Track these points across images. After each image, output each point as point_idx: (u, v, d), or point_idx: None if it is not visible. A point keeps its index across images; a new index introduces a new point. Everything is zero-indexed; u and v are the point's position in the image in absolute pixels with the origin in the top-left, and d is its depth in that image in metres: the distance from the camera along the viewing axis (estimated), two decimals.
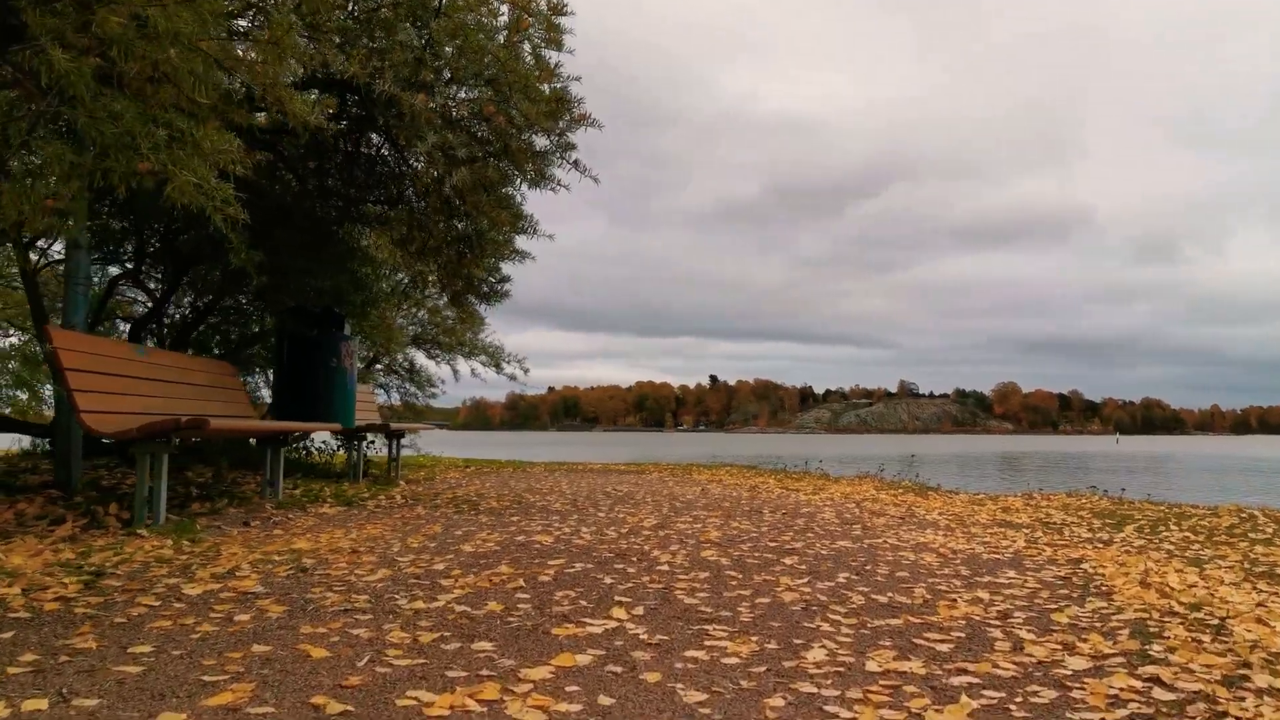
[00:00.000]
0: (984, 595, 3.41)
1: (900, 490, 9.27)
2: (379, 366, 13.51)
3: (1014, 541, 5.09)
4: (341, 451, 10.15)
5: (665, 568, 3.69)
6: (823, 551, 4.35)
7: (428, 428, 10.67)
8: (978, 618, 3.00)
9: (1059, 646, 2.63)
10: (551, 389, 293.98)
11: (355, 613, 2.63)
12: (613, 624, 2.65)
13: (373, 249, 7.05)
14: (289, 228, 6.24)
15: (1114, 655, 2.55)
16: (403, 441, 13.68)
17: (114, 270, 8.37)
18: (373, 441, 9.76)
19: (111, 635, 2.29)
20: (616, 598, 3.03)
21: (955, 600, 3.30)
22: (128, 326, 8.39)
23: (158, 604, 2.64)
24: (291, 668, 2.06)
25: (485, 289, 6.43)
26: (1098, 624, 2.97)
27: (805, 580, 3.52)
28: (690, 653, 2.36)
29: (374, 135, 6.49)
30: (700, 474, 11.43)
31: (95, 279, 8.80)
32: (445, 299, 7.03)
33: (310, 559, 3.55)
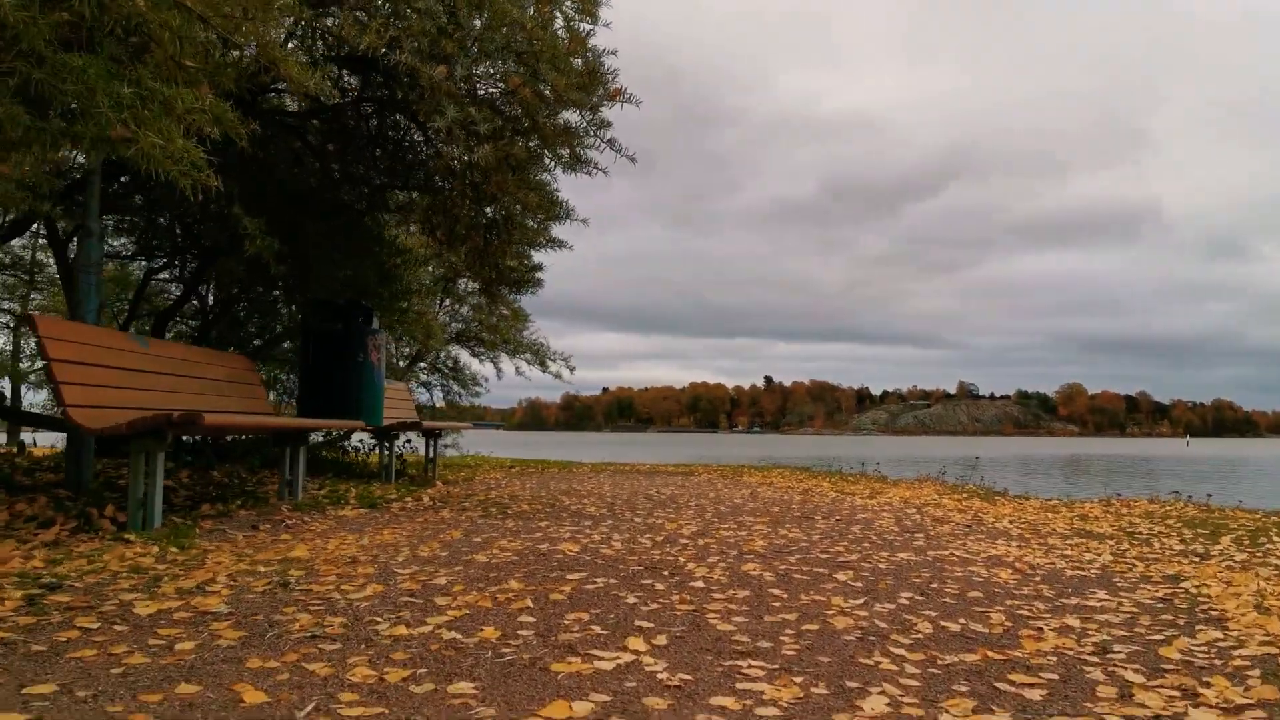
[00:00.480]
0: (1074, 622, 2.89)
1: (964, 494, 8.68)
2: (422, 364, 13.26)
3: (1098, 555, 4.54)
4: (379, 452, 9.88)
5: (700, 584, 3.23)
6: (881, 565, 3.86)
7: (467, 426, 10.34)
8: (1070, 652, 2.49)
9: (1176, 693, 2.13)
10: (606, 390, 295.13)
11: (322, 640, 2.23)
12: (627, 657, 2.20)
13: (402, 239, 6.70)
14: (311, 215, 5.92)
15: (1249, 707, 2.04)
16: (444, 442, 13.44)
17: (144, 265, 8.20)
18: (409, 441, 9.46)
19: (17, 669, 1.91)
20: (637, 622, 2.59)
21: (1041, 629, 2.79)
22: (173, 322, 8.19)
23: (95, 627, 2.27)
24: (214, 717, 1.66)
25: (515, 277, 6.04)
26: (1217, 661, 2.45)
27: (861, 601, 3.04)
28: (717, 699, 1.90)
29: (399, 116, 6.15)
30: (751, 476, 10.93)
31: (140, 274, 8.63)
32: (480, 291, 6.63)
33: (299, 570, 3.16)
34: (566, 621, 2.55)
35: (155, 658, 2.02)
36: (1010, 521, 6.17)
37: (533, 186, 5.23)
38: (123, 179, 6.47)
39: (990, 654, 2.42)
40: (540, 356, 13.18)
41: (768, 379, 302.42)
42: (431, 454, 9.04)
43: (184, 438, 7.64)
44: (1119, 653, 2.51)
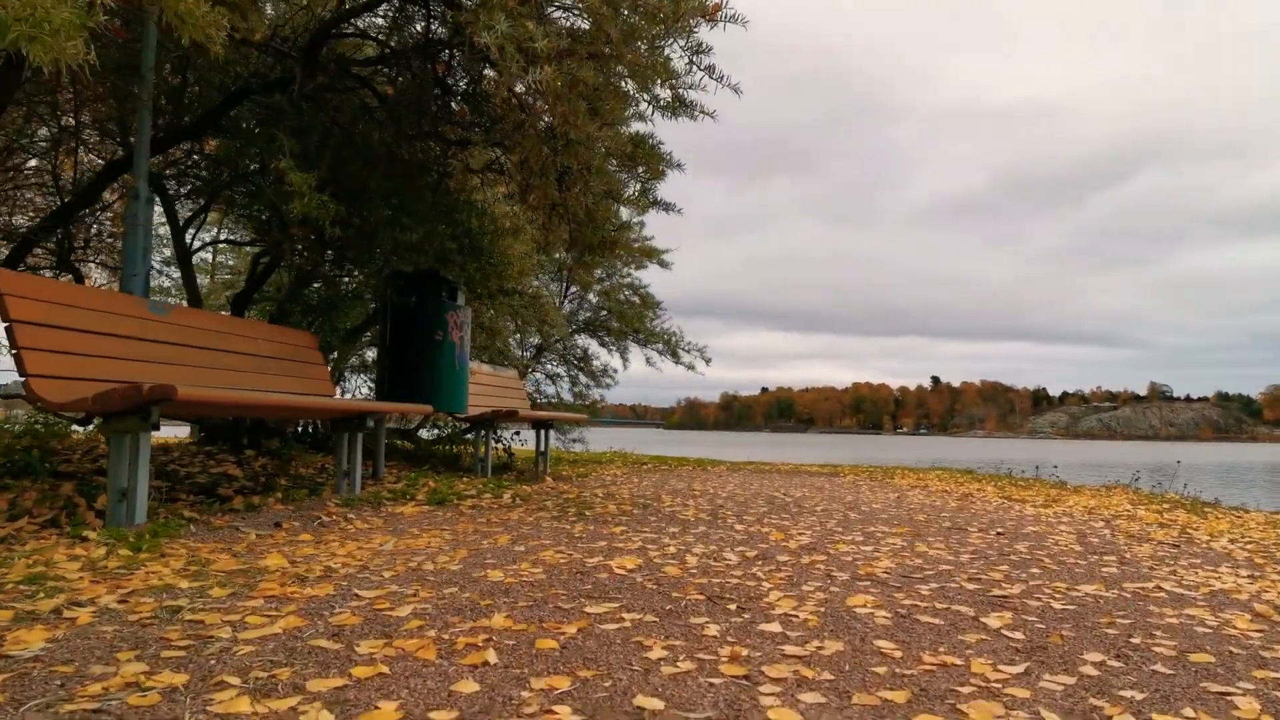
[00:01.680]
0: None
1: (1165, 505, 7.15)
2: (549, 355, 12.63)
3: None
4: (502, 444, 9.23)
5: (774, 627, 2.23)
6: (1055, 605, 2.72)
7: (581, 419, 9.52)
8: None
9: None
10: (765, 390, 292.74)
11: None
12: None
13: (492, 205, 5.94)
14: (377, 173, 5.25)
15: None
16: (571, 436, 12.77)
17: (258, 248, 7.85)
18: (518, 433, 8.78)
19: None
20: (638, 700, 1.63)
21: None
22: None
23: None
24: None
25: (596, 238, 5.13)
26: None
27: (1020, 669, 1.96)
28: None
29: (481, 65, 5.39)
30: (903, 478, 9.62)
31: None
32: (568, 255, 5.77)
33: (230, 588, 2.38)
34: (524, 696, 1.62)
35: None
36: (1231, 540, 4.79)
37: (610, 122, 4.33)
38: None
39: None
40: (672, 346, 12.30)
41: (935, 379, 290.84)
42: (543, 448, 8.31)
43: (271, 422, 7.21)
44: None
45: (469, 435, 8.84)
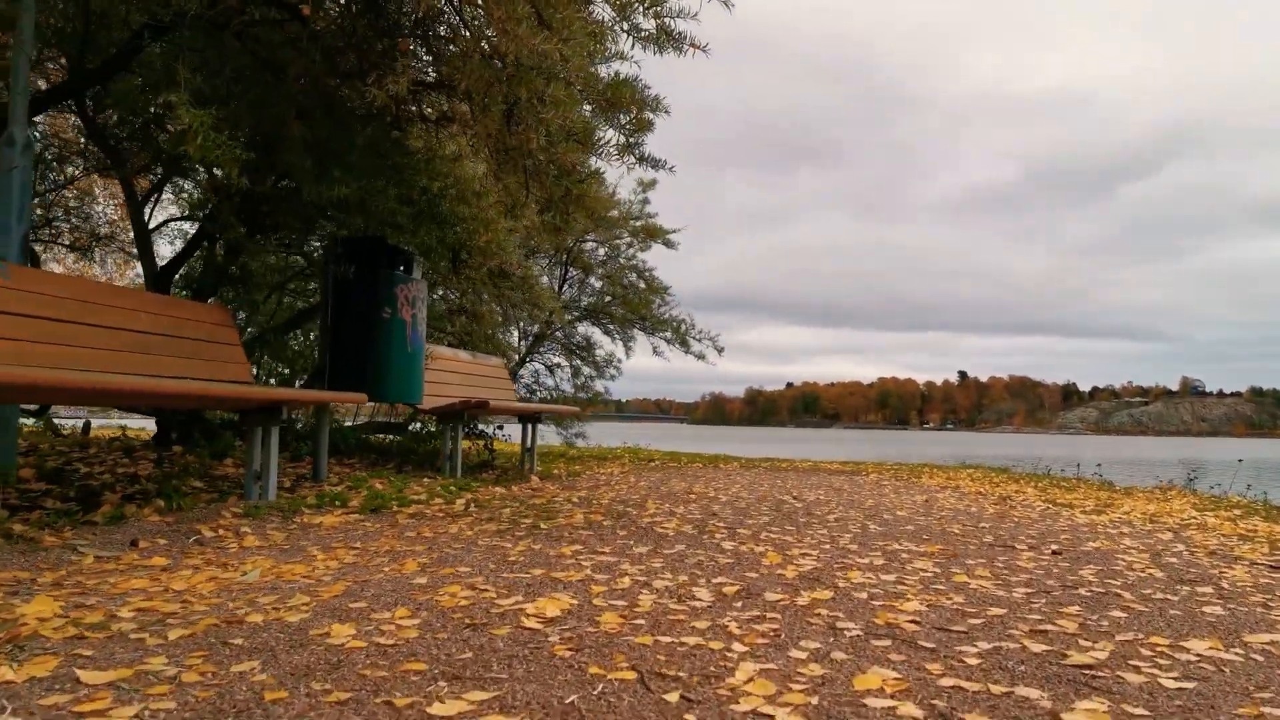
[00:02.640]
0: None
1: (1235, 510, 6.19)
2: (550, 343, 11.78)
3: None
4: (510, 438, 8.42)
5: None
6: (1165, 681, 1.82)
7: (573, 411, 8.63)
8: None
9: None
10: (790, 385, 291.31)
11: None
12: None
13: (446, 159, 5.07)
14: (294, 111, 4.43)
15: None
16: (573, 431, 11.93)
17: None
18: (500, 427, 7.94)
19: None
20: None
21: None
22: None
23: None
24: None
25: (559, 189, 4.23)
26: None
27: None
28: None
29: None
30: (931, 478, 8.67)
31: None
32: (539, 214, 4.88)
33: None
34: None
35: None
36: None
37: (565, 38, 3.45)
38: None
39: None
40: (681, 335, 11.40)
41: (962, 374, 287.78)
42: (529, 444, 7.47)
43: (227, 415, 6.42)
44: None
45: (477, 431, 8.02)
